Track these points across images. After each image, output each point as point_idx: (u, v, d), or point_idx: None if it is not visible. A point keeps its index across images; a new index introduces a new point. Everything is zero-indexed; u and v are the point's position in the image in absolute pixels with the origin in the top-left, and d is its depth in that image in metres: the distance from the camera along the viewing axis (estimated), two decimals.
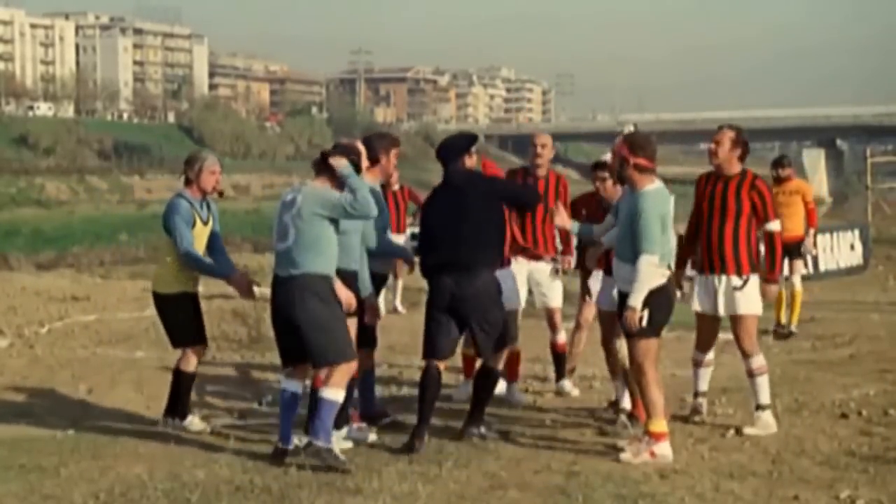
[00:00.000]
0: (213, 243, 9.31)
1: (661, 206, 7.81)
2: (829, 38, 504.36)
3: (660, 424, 7.73)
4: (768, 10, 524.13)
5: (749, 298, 8.63)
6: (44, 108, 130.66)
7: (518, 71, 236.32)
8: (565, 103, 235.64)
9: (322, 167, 7.95)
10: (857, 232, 22.60)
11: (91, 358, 12.82)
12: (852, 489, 6.91)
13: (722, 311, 8.70)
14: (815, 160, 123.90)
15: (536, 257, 10.33)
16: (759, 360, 8.66)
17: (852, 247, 23.01)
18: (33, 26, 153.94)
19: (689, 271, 9.07)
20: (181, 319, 9.23)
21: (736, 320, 8.68)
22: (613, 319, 8.60)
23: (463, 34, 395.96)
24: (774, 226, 8.68)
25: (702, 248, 8.78)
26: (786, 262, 14.13)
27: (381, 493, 6.81)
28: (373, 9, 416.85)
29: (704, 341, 9.01)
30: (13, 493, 6.98)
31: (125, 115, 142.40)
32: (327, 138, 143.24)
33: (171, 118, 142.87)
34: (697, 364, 9.07)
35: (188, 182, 9.20)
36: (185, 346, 9.24)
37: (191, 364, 9.21)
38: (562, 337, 10.49)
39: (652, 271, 7.70)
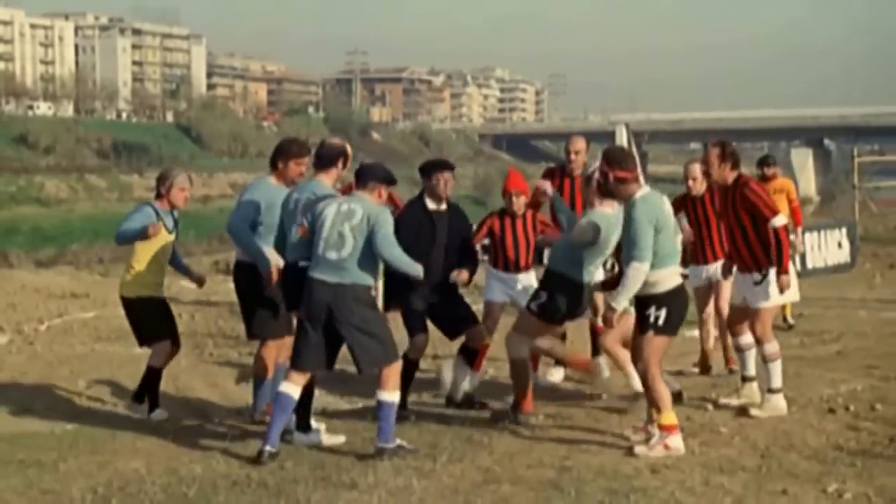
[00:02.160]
0: (174, 252, 9.95)
1: (650, 211, 7.84)
2: (819, 40, 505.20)
3: (670, 417, 7.80)
4: (758, 14, 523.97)
5: (764, 292, 8.98)
6: (43, 108, 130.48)
7: (512, 71, 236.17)
8: (558, 103, 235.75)
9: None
10: (844, 230, 22.60)
11: (90, 354, 12.82)
12: (840, 483, 6.92)
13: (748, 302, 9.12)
14: (803, 159, 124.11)
15: None
16: (772, 347, 9.00)
17: (840, 245, 23.01)
18: (33, 26, 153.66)
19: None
20: (147, 321, 9.65)
21: (755, 311, 9.04)
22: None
23: (457, 35, 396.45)
24: (779, 220, 8.82)
25: (730, 250, 9.37)
26: None
27: (376, 487, 6.81)
28: (368, 10, 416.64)
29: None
30: (12, 487, 6.97)
31: (124, 115, 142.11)
32: (324, 137, 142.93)
33: (170, 118, 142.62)
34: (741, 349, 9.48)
35: (159, 196, 9.78)
36: (151, 345, 9.66)
37: (160, 360, 9.63)
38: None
39: (640, 277, 7.76)
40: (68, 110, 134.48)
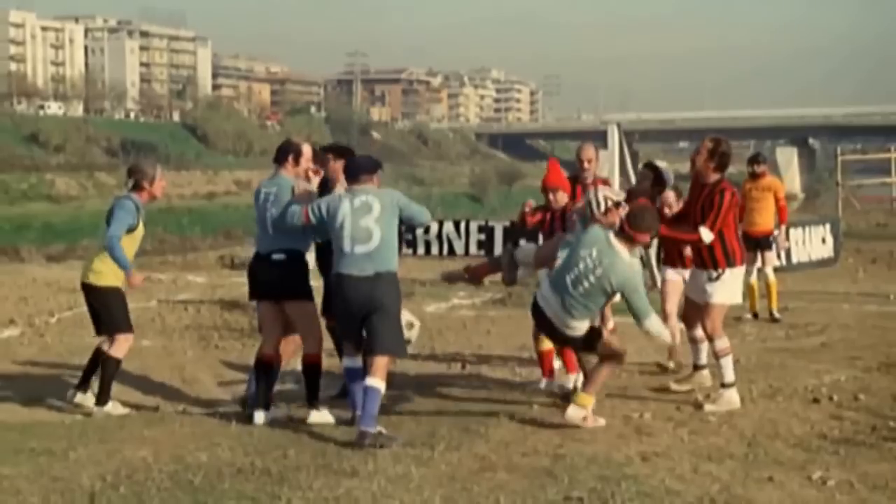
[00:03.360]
0: None
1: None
2: (804, 45, 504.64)
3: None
4: (746, 20, 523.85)
5: (717, 290, 9.04)
6: (54, 108, 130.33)
7: (507, 72, 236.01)
8: (552, 103, 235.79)
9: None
10: (828, 226, 22.61)
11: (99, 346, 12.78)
12: (824, 470, 6.92)
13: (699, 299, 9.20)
14: (788, 158, 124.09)
15: None
16: (722, 343, 8.99)
17: (824, 240, 23.03)
18: (44, 29, 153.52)
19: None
20: (114, 311, 9.47)
21: (705, 308, 9.11)
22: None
23: (454, 37, 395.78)
24: (706, 237, 8.89)
25: (692, 246, 9.36)
26: (758, 254, 14.33)
27: (376, 474, 6.81)
28: (368, 13, 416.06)
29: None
30: (24, 475, 6.96)
31: (132, 115, 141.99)
32: (326, 137, 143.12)
33: (176, 117, 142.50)
34: (695, 341, 9.68)
35: (138, 188, 9.51)
36: (115, 334, 9.44)
37: (122, 352, 9.47)
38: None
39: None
40: (78, 110, 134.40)
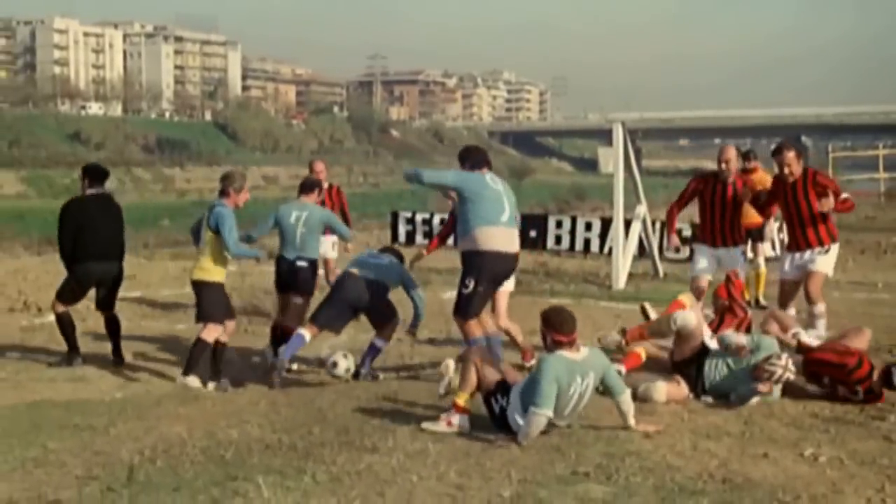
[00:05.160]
0: None
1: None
2: (799, 50, 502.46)
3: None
4: (743, 24, 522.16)
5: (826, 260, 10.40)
6: (95, 108, 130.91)
7: (518, 74, 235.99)
8: (560, 103, 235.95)
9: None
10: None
11: (137, 329, 12.83)
12: (815, 447, 6.90)
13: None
14: None
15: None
16: (822, 307, 10.25)
17: None
18: (86, 35, 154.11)
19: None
20: (211, 302, 10.13)
21: (812, 277, 10.34)
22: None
23: (469, 41, 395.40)
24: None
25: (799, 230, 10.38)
26: (749, 245, 14.33)
27: (395, 450, 6.81)
28: (388, 18, 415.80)
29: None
30: (68, 449, 6.99)
31: (167, 114, 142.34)
32: (348, 135, 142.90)
33: (208, 116, 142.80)
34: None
35: (225, 194, 10.13)
36: (208, 322, 10.10)
37: (211, 336, 10.08)
38: None
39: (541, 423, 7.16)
40: (117, 110, 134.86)
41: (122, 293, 11.36)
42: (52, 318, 13.55)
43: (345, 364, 9.66)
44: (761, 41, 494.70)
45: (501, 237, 8.87)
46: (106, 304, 11.14)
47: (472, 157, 9.20)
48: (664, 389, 8.25)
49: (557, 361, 7.19)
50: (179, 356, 11.08)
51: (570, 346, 7.28)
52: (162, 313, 14.18)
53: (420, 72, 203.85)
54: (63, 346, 11.03)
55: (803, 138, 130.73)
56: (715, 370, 8.39)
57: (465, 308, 8.85)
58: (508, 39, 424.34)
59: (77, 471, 6.45)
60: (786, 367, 8.06)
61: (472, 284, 8.76)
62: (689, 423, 7.59)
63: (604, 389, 7.37)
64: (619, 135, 16.94)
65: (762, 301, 14.24)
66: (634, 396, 7.71)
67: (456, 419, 7.38)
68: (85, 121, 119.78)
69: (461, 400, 7.47)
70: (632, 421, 7.36)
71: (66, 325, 11.05)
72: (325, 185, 13.32)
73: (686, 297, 9.13)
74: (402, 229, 23.05)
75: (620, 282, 16.59)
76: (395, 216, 23.54)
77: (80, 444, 7.16)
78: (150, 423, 7.83)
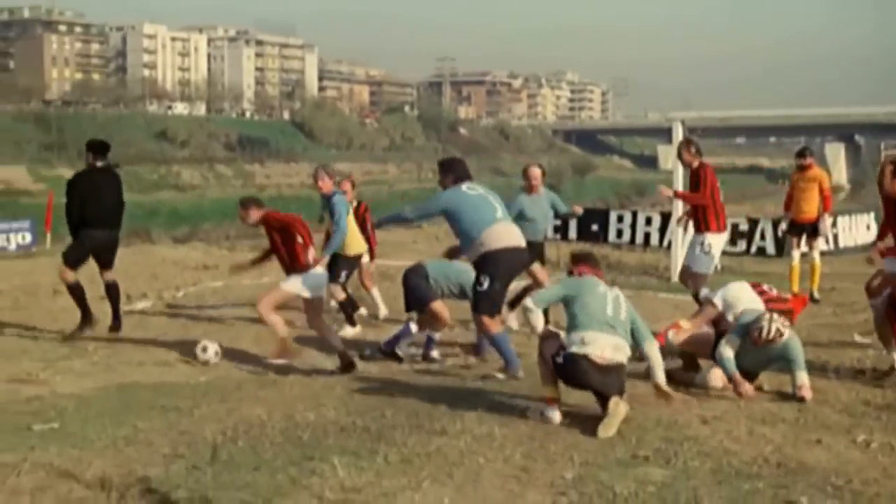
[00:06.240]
0: None
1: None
2: (848, 44, 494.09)
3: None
4: (795, 17, 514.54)
5: None
6: (180, 108, 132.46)
7: (581, 74, 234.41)
8: (621, 103, 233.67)
9: None
10: (871, 214, 22.37)
11: (219, 317, 12.96)
12: (867, 434, 6.81)
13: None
14: (836, 153, 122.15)
15: None
16: None
17: (868, 227, 22.80)
18: (173, 39, 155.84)
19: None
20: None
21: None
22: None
23: (533, 43, 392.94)
24: None
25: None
26: (804, 239, 14.19)
27: (463, 433, 6.81)
28: (457, 22, 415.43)
29: None
30: (156, 428, 7.08)
31: (248, 113, 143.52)
32: (418, 133, 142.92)
33: (286, 116, 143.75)
34: None
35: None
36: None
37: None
38: None
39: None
40: (201, 110, 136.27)
41: (206, 282, 11.50)
42: (140, 305, 13.81)
43: (213, 348, 10.33)
44: (812, 35, 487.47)
45: (505, 233, 8.87)
46: (107, 264, 11.64)
47: (458, 170, 9.25)
48: (721, 376, 8.18)
49: (580, 279, 7.57)
50: (258, 342, 11.19)
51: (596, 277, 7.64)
52: (243, 302, 14.30)
53: (487, 73, 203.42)
54: (149, 334, 11.17)
55: (856, 137, 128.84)
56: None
57: (483, 305, 8.86)
58: (572, 41, 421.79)
59: (164, 449, 6.53)
60: (771, 319, 7.92)
61: (486, 282, 8.76)
62: (745, 410, 7.53)
63: (633, 338, 7.40)
64: (678, 133, 16.82)
65: (816, 295, 14.01)
66: (690, 383, 7.68)
67: (548, 412, 7.30)
68: (171, 120, 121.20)
69: (549, 392, 7.38)
70: (661, 375, 7.39)
71: (78, 294, 11.41)
72: (354, 204, 13.04)
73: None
74: None
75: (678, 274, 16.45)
76: None
77: (167, 424, 7.25)
78: (231, 405, 7.90)
